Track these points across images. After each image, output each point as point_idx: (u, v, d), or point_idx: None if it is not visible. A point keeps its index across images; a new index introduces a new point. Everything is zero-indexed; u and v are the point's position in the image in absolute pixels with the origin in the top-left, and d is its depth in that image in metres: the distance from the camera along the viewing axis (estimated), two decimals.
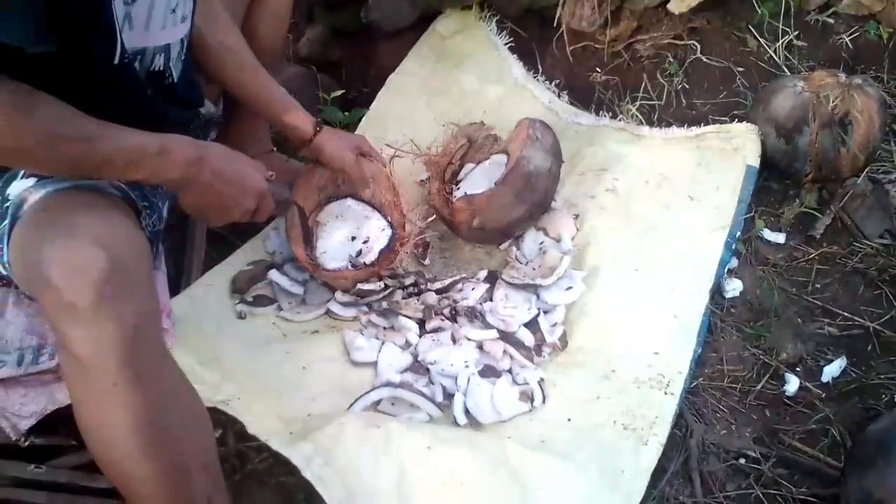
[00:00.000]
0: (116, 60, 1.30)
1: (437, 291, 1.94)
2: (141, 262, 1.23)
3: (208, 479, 1.26)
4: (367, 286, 1.89)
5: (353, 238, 1.97)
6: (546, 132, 2.05)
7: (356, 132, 2.35)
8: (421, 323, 1.87)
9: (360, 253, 1.94)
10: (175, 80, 1.52)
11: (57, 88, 1.21)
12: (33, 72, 1.17)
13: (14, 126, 1.16)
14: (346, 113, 2.44)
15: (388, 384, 1.72)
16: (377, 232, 1.97)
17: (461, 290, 1.94)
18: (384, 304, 1.89)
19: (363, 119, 2.39)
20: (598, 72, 2.63)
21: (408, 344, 1.83)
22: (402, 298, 1.91)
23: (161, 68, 1.47)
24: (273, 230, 2.07)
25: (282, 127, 1.90)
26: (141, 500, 1.22)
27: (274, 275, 1.92)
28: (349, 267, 1.91)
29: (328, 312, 1.91)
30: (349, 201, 2.03)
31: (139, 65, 1.40)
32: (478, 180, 2.09)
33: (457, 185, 2.13)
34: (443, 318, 1.86)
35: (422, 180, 2.23)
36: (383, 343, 1.82)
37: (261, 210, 1.56)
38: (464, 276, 1.99)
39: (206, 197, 1.45)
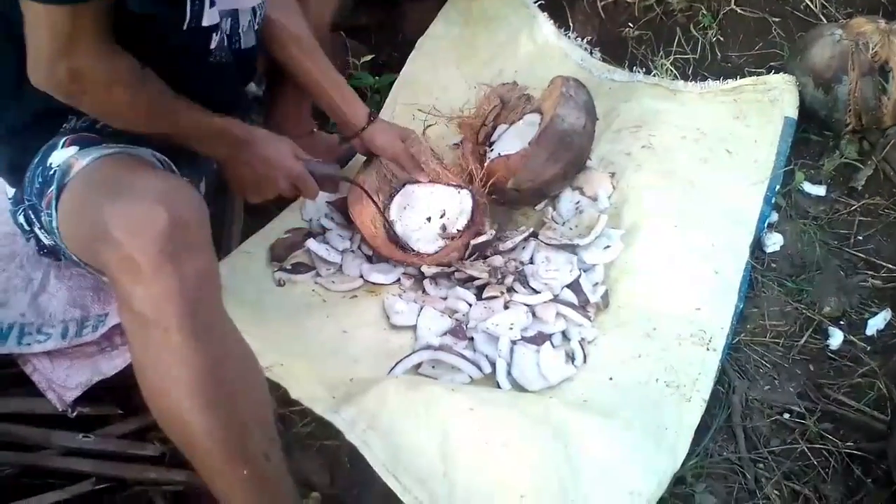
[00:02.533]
0: (185, 26, 1.44)
1: (504, 253, 1.91)
2: (201, 220, 1.25)
3: (265, 436, 1.27)
4: (481, 239, 1.89)
5: (429, 219, 1.92)
6: (580, 90, 2.03)
7: (388, 98, 2.35)
8: (479, 290, 1.86)
9: (444, 228, 1.90)
10: (242, 47, 1.61)
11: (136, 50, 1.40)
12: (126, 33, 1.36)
13: (132, 99, 1.41)
14: (377, 77, 2.42)
15: (428, 347, 1.72)
16: (451, 200, 1.93)
17: (524, 248, 1.93)
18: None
19: (394, 85, 2.37)
20: (630, 27, 2.58)
21: (453, 311, 1.82)
22: (472, 260, 1.89)
23: (228, 32, 1.56)
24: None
25: (336, 114, 1.92)
26: (200, 455, 1.23)
27: (312, 244, 1.92)
28: (447, 242, 1.89)
29: (366, 283, 1.90)
30: (408, 188, 1.97)
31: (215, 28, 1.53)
32: (511, 141, 2.06)
33: (490, 146, 2.11)
34: (503, 285, 1.84)
35: (455, 144, 2.22)
36: (422, 307, 1.82)
37: (303, 189, 1.75)
38: (529, 231, 1.95)
39: (243, 174, 1.70)
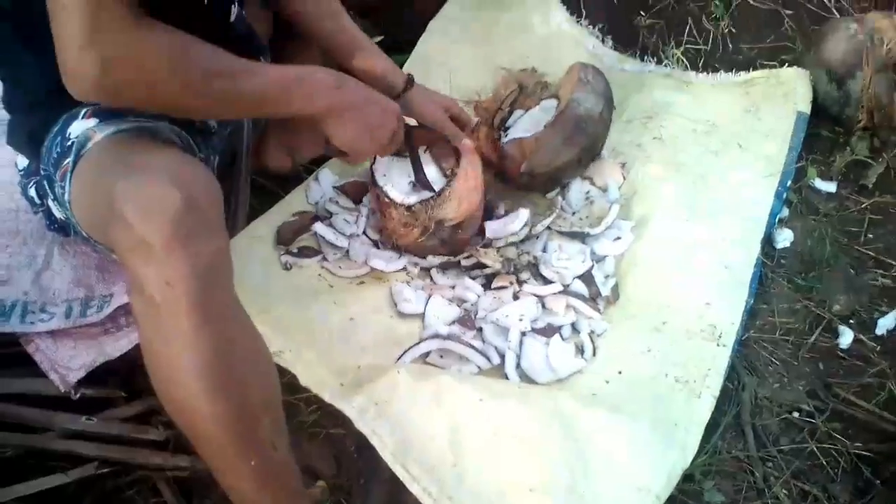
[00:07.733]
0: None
1: (517, 244, 1.90)
2: (214, 203, 1.22)
3: (272, 424, 1.25)
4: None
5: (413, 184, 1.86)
6: (598, 77, 2.01)
7: None
8: (487, 280, 1.84)
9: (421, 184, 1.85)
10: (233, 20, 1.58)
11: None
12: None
13: (175, 67, 1.24)
14: None
15: (437, 336, 1.70)
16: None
17: (537, 239, 1.91)
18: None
19: (405, 65, 2.34)
20: (642, 15, 2.56)
21: (461, 301, 1.80)
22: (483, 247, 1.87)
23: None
24: (314, 181, 2.05)
25: (371, 78, 1.81)
26: (206, 442, 1.21)
27: (319, 227, 1.89)
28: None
29: (372, 270, 1.86)
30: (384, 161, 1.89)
31: None
32: (527, 127, 2.03)
33: (505, 131, 2.08)
34: (513, 276, 1.82)
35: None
36: (430, 295, 1.80)
37: (397, 135, 1.66)
38: (553, 215, 1.93)
39: (354, 122, 1.54)
